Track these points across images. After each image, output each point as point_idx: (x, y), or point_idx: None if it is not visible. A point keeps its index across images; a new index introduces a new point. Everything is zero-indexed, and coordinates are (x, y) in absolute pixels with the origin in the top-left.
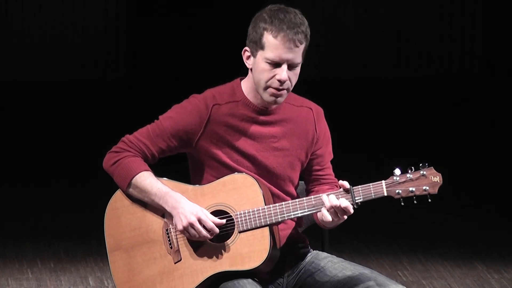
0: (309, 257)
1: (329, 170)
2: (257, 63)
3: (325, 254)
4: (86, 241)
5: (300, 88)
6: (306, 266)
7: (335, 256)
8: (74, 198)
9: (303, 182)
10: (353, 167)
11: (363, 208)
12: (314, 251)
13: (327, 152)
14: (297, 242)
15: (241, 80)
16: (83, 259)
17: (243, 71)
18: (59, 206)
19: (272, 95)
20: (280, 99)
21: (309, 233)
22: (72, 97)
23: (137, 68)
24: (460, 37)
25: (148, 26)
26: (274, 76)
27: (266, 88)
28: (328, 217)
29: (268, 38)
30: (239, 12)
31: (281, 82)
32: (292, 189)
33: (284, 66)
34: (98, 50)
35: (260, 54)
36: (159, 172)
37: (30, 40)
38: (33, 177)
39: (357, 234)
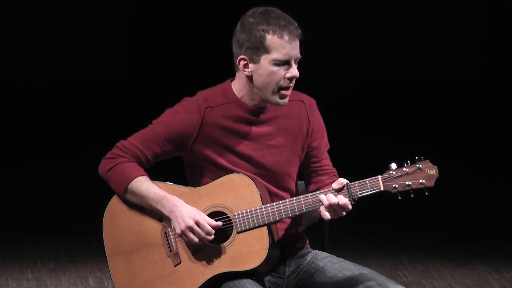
0: (309, 257)
1: (327, 161)
2: (262, 68)
3: (325, 254)
4: (86, 241)
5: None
6: (306, 266)
7: (335, 256)
8: (75, 198)
9: (302, 182)
10: (352, 165)
11: (363, 208)
12: (314, 251)
13: (322, 143)
14: (296, 242)
15: (231, 81)
16: (83, 259)
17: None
18: (59, 206)
19: (281, 96)
20: (287, 99)
21: (309, 233)
22: (71, 97)
23: (136, 68)
24: (460, 37)
25: (148, 25)
26: (283, 75)
27: (277, 90)
28: (327, 215)
29: (273, 39)
30: (238, 12)
31: (292, 79)
32: (291, 185)
33: (293, 63)
34: (98, 50)
35: (265, 58)
36: (155, 175)
37: (29, 39)
38: (33, 176)
39: (357, 234)
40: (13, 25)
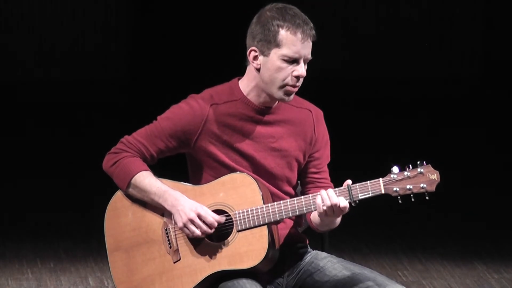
0: (308, 257)
1: (325, 174)
2: (270, 62)
3: (324, 254)
4: (86, 241)
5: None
6: (306, 266)
7: (334, 256)
8: (74, 198)
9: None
10: (354, 165)
11: (363, 208)
12: (314, 251)
13: (324, 155)
14: (296, 242)
15: (238, 79)
16: (83, 259)
17: (243, 71)
18: (59, 206)
19: (286, 93)
20: (291, 97)
21: (309, 233)
22: (71, 96)
23: (137, 67)
24: (460, 37)
25: (148, 25)
26: (291, 73)
27: (282, 86)
28: (322, 212)
29: (286, 35)
30: (239, 12)
31: (299, 78)
32: (290, 189)
33: (302, 62)
34: (98, 49)
35: (274, 52)
36: (158, 172)
37: (29, 38)
38: (33, 177)
39: (357, 234)
40: (13, 25)
